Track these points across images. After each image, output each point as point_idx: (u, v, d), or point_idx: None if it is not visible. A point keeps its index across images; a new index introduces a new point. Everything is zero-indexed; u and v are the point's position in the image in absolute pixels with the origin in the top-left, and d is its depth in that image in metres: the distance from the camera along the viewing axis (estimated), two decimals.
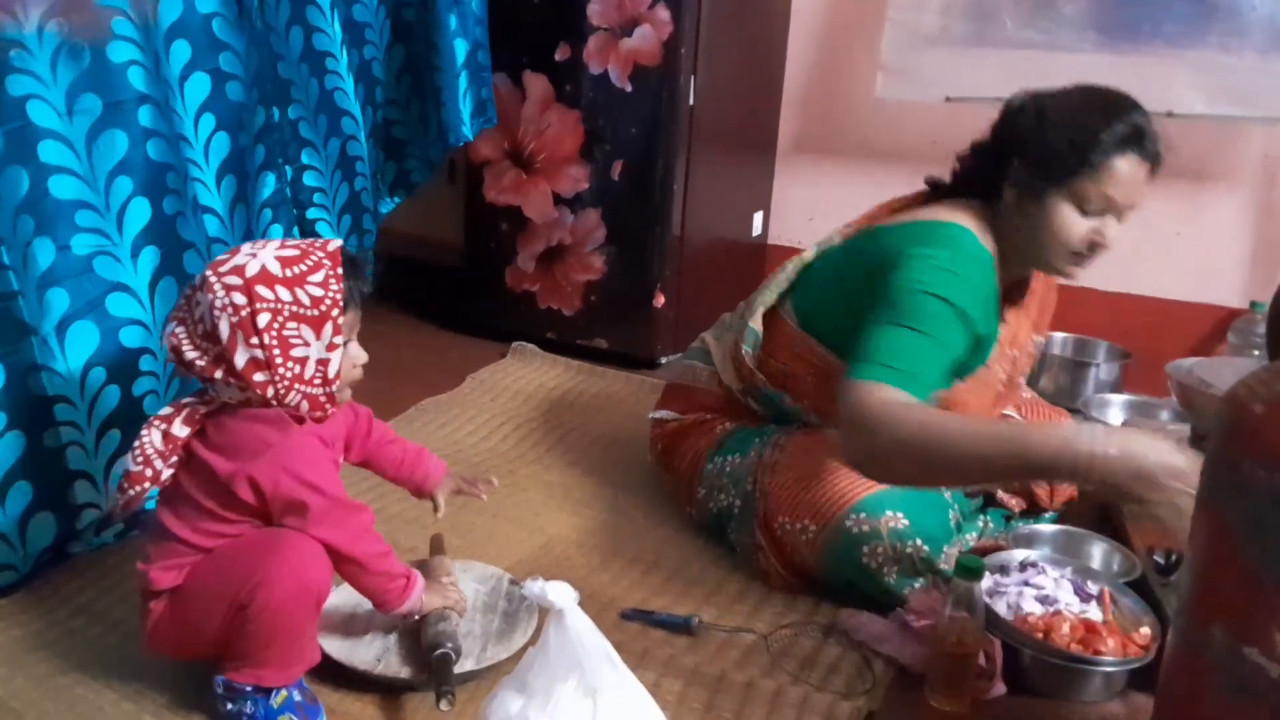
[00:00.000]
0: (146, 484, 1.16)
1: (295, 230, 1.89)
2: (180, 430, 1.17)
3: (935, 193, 1.57)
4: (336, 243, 1.20)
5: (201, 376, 1.17)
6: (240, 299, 1.13)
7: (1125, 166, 1.38)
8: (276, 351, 1.14)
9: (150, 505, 1.24)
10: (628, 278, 2.47)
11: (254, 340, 1.13)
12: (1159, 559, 1.46)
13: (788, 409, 1.64)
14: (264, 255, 1.16)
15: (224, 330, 1.13)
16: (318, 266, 1.17)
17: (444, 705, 1.19)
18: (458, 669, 1.26)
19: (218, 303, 1.13)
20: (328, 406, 1.21)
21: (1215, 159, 2.42)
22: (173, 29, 1.53)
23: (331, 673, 1.27)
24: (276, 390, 1.16)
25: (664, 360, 2.53)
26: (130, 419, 1.51)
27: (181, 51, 1.55)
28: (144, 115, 1.46)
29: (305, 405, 1.18)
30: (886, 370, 1.32)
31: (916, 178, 1.61)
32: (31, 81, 1.34)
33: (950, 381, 1.42)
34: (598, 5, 2.31)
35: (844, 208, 1.78)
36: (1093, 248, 1.43)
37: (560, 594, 1.04)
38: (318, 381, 1.18)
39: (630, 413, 2.08)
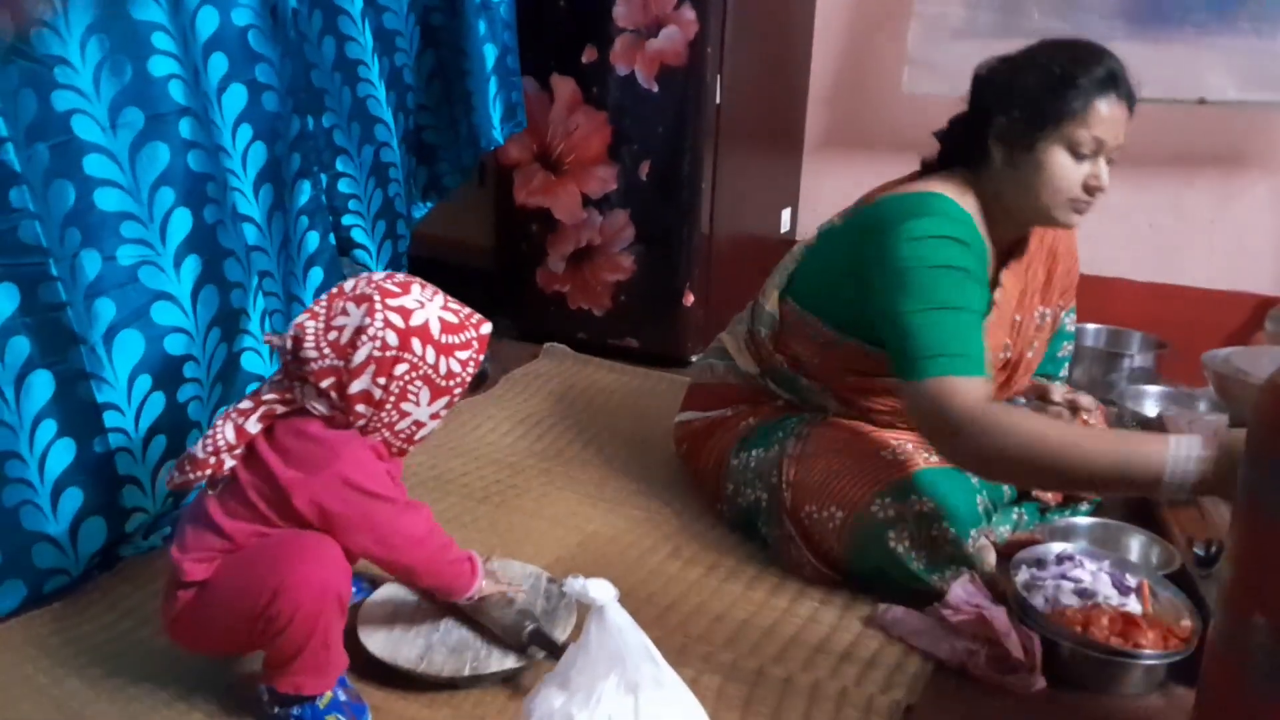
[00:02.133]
0: (209, 471, 1.17)
1: (331, 237, 1.91)
2: (253, 427, 1.19)
3: (925, 170, 1.60)
4: (489, 326, 1.25)
5: (304, 376, 1.18)
6: (393, 340, 1.16)
7: (1108, 107, 1.41)
8: (393, 398, 1.18)
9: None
10: (657, 277, 2.48)
11: (381, 380, 1.17)
12: (1199, 551, 1.45)
13: (803, 388, 1.68)
14: (431, 309, 1.20)
15: (360, 355, 1.16)
16: (468, 345, 1.22)
17: None
18: (500, 666, 1.29)
19: (370, 330, 1.16)
20: (393, 456, 1.25)
21: (1249, 145, 2.40)
22: (210, 42, 1.56)
23: (376, 671, 1.29)
24: (368, 424, 1.19)
25: (694, 359, 2.53)
26: (175, 425, 1.54)
27: (219, 64, 1.58)
28: (184, 127, 1.49)
29: (380, 446, 1.22)
30: (945, 361, 1.35)
31: None
32: (75, 97, 1.37)
33: None
34: (623, 7, 2.33)
35: None
36: (1091, 191, 1.45)
37: (601, 591, 1.05)
38: (403, 436, 1.23)
39: (661, 411, 2.09)
